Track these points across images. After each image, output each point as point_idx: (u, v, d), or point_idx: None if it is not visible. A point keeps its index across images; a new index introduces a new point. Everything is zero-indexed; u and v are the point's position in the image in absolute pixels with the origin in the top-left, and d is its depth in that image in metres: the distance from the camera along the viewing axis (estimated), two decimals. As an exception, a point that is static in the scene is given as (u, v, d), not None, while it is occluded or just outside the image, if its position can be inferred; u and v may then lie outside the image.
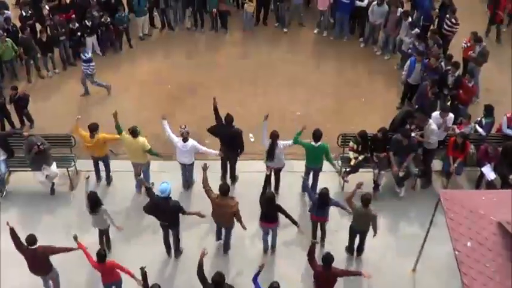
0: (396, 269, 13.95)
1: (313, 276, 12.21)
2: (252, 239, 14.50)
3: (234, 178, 15.95)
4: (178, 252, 14.29)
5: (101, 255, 12.07)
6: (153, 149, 15.04)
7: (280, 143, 14.69)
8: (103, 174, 16.00)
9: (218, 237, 14.35)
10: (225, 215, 13.40)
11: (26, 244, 12.23)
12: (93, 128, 14.88)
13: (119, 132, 14.94)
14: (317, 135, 14.55)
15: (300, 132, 14.70)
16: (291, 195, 15.26)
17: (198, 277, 11.53)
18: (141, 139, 14.82)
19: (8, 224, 12.43)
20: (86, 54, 18.39)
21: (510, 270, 10.31)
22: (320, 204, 13.55)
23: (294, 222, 13.39)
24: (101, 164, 15.80)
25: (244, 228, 13.36)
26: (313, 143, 14.62)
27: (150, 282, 11.66)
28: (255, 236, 14.37)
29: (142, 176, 15.02)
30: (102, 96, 18.96)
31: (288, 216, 13.36)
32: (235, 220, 13.44)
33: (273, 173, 15.21)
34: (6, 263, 13.57)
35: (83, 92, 19.05)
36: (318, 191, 13.95)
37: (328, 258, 11.74)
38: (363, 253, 14.20)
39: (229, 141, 15.14)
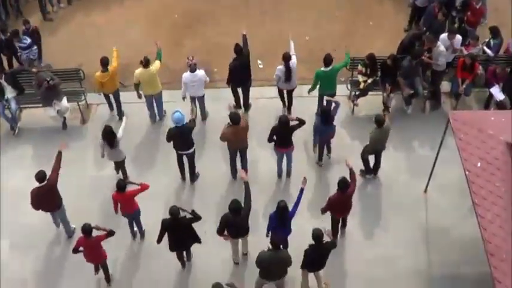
0: (408, 189, 14.18)
1: (328, 206, 12.28)
2: (266, 164, 14.71)
3: (247, 107, 16.03)
4: (194, 176, 14.45)
5: (121, 186, 12.25)
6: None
7: (292, 62, 14.71)
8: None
9: (233, 168, 14.39)
10: (242, 139, 13.63)
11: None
12: (106, 62, 14.79)
13: (159, 59, 15.09)
14: (328, 61, 14.52)
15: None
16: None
17: None
18: (152, 67, 14.77)
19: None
20: (25, 41, 16.54)
21: (519, 189, 10.50)
22: (324, 121, 13.67)
23: (302, 121, 13.41)
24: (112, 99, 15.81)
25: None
26: (323, 68, 14.63)
27: (167, 206, 11.88)
28: (269, 160, 14.57)
29: (155, 104, 15.43)
30: (111, 29, 18.79)
31: (300, 121, 13.36)
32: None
33: (285, 95, 15.55)
34: (18, 198, 13.72)
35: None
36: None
37: (344, 183, 11.85)
38: (378, 171, 14.41)
39: (242, 70, 15.09)
